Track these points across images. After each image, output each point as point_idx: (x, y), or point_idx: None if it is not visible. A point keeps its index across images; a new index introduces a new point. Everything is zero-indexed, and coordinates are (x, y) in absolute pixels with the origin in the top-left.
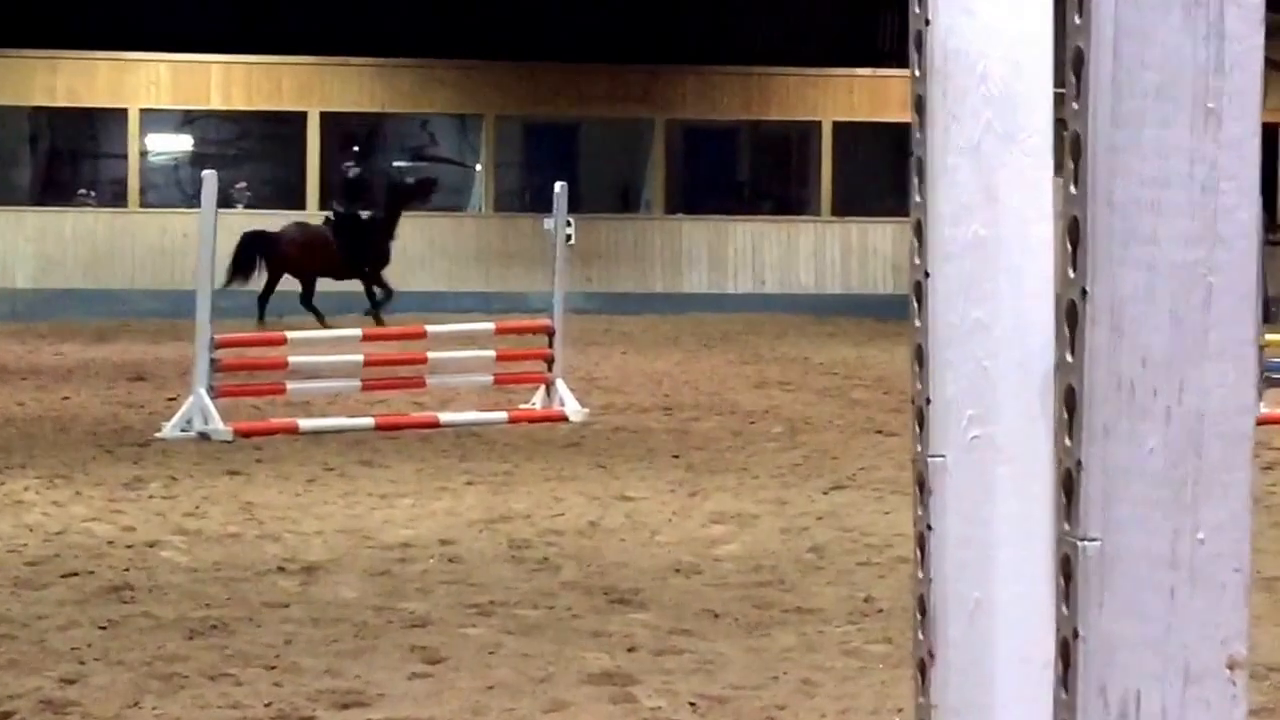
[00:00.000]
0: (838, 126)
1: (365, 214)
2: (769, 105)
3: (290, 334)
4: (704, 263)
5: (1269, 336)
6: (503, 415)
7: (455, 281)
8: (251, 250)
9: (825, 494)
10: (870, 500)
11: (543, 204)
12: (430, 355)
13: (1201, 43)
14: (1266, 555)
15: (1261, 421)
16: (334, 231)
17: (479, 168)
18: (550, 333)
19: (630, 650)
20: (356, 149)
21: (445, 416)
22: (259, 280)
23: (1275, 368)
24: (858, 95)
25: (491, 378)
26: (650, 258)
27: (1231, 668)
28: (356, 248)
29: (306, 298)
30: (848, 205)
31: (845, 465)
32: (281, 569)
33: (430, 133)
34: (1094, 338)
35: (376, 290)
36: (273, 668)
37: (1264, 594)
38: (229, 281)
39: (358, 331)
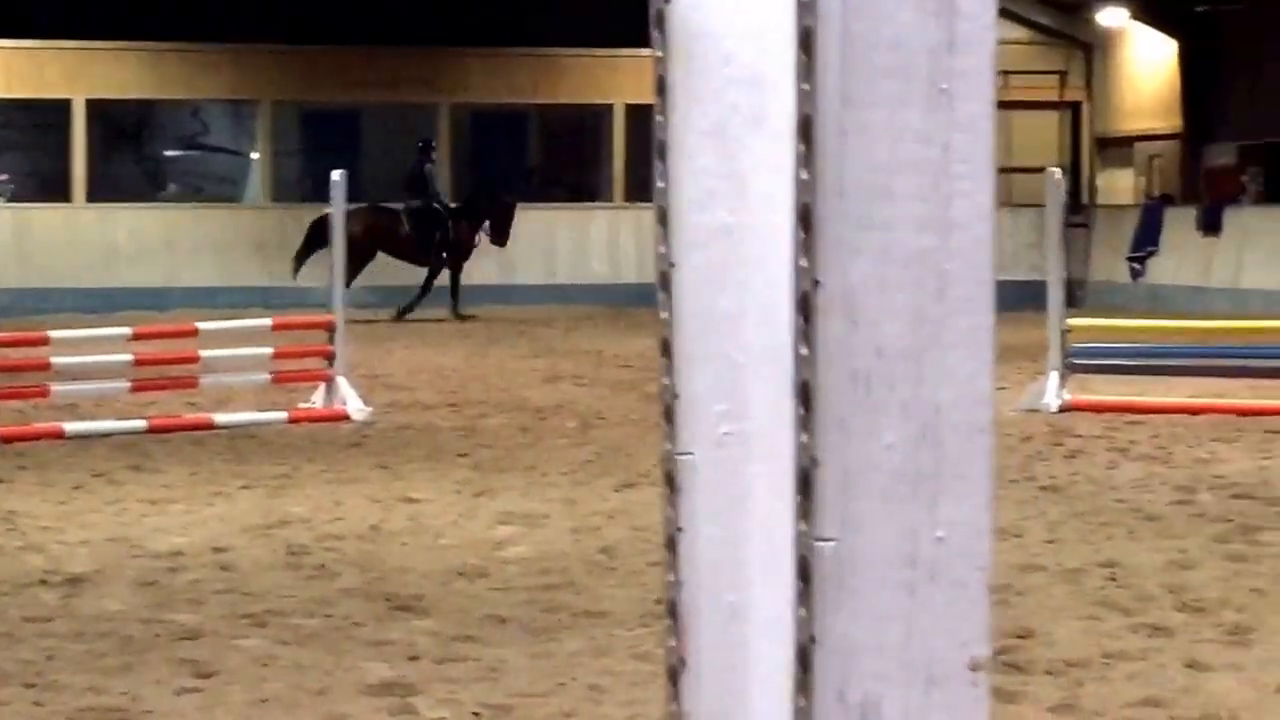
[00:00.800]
0: (631, 109)
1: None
2: (559, 88)
3: (54, 333)
4: (492, 252)
5: (1072, 322)
6: (282, 415)
7: (231, 276)
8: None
9: (617, 491)
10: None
11: (323, 194)
12: (203, 354)
13: (933, 22)
14: (1067, 545)
15: (1066, 408)
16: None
17: (255, 156)
18: (331, 328)
19: (411, 659)
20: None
21: (221, 417)
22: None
23: (1080, 353)
24: (651, 77)
25: (269, 376)
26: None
27: (974, 669)
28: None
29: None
30: (642, 191)
31: (639, 462)
32: (44, 582)
33: (202, 120)
34: (828, 329)
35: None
36: (32, 685)
37: (1068, 586)
38: (297, 267)
39: (126, 330)
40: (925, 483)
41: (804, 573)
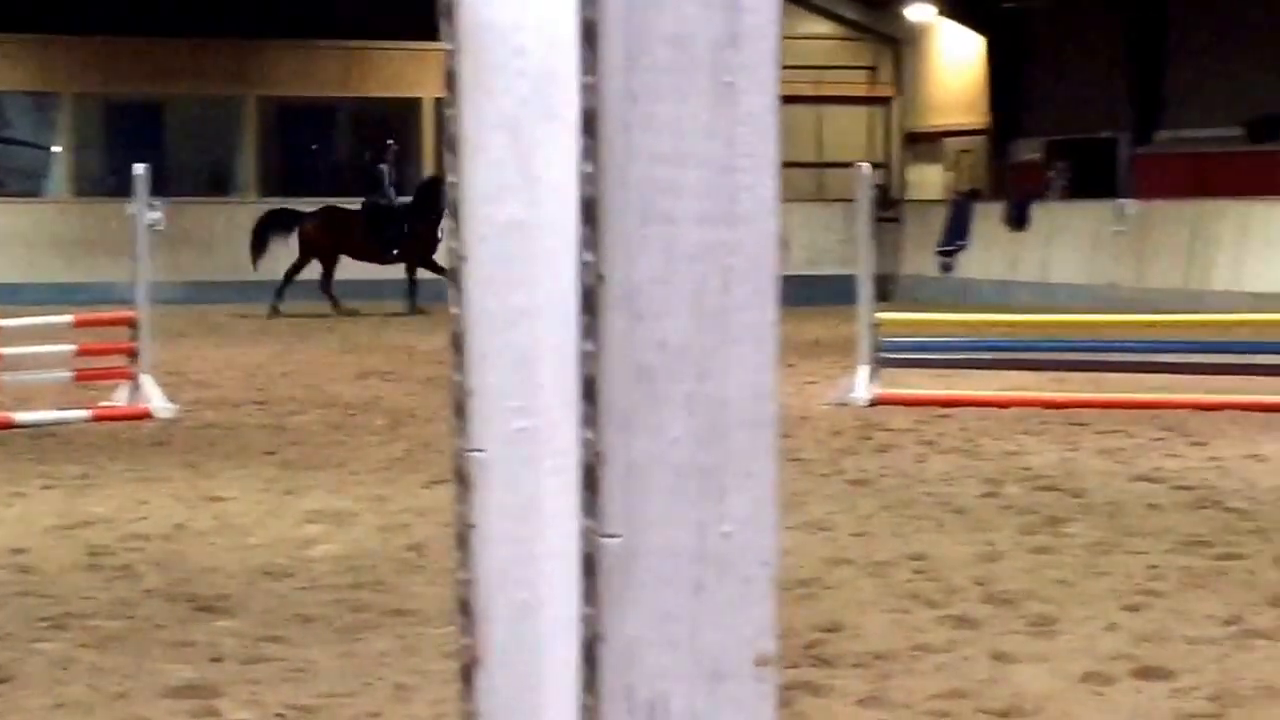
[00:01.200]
0: (441, 102)
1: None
2: (369, 81)
3: None
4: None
5: (881, 316)
6: (84, 413)
7: (33, 272)
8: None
9: (427, 488)
10: None
11: (126, 187)
12: (3, 351)
13: (716, 15)
14: (877, 538)
15: (876, 402)
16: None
17: (56, 149)
18: (134, 324)
19: (215, 660)
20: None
21: (21, 416)
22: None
23: (890, 347)
24: None
25: (71, 374)
26: (244, 244)
27: (761, 665)
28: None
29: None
30: None
31: (450, 458)
32: None
33: (3, 113)
34: (612, 324)
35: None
36: None
37: (876, 579)
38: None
39: None
40: (710, 478)
41: (589, 569)
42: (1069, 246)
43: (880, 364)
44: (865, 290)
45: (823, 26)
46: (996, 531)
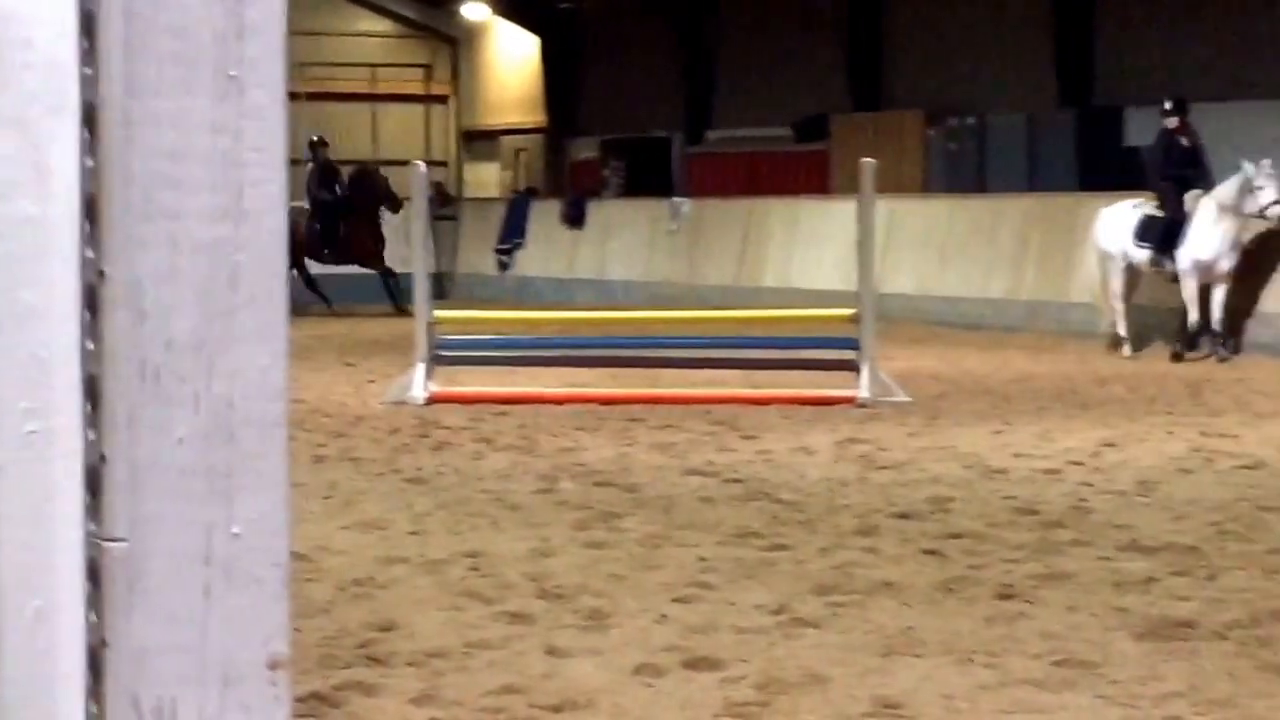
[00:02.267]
0: None
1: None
2: None
3: None
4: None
5: (439, 314)
6: None
7: None
8: None
9: None
10: None
11: None
12: None
13: (220, 7)
14: (432, 537)
15: (433, 400)
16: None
17: None
18: None
19: None
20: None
21: None
22: None
23: (448, 345)
24: None
25: None
26: None
27: (273, 667)
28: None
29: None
30: None
31: None
32: None
33: None
34: (115, 321)
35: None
36: None
37: (431, 577)
38: None
39: None
40: (219, 479)
41: (94, 575)
42: (625, 244)
43: (437, 362)
44: (421, 288)
45: (379, 24)
46: (551, 527)
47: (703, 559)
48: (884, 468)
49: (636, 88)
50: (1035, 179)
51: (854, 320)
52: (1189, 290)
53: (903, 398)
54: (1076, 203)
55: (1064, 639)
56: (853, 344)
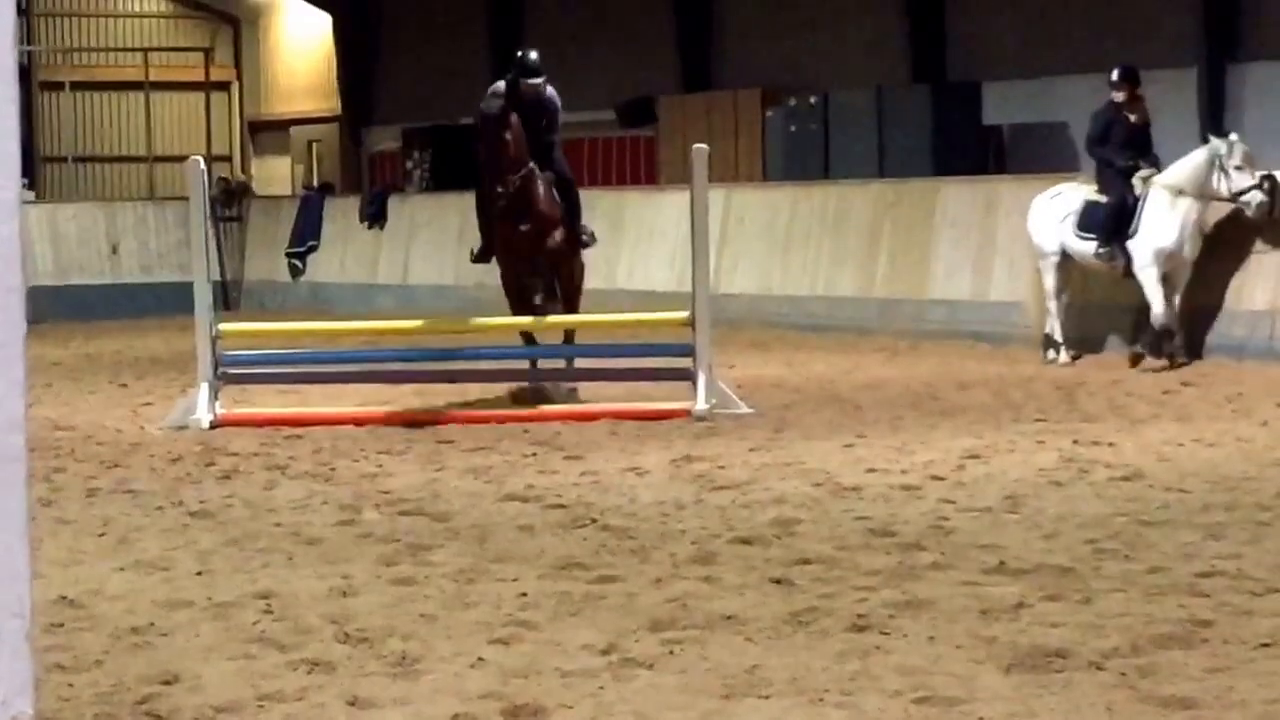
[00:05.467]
0: None
1: None
2: None
3: None
4: None
5: (224, 327)
6: None
7: None
8: None
9: None
10: None
11: None
12: None
13: None
14: (220, 576)
15: (220, 424)
16: None
17: None
18: None
19: None
20: None
21: None
22: None
23: (235, 362)
24: None
25: None
26: None
27: None
28: None
29: None
30: None
31: None
32: None
33: None
34: None
35: None
36: None
37: (219, 622)
38: None
39: None
40: None
41: None
42: (432, 245)
43: (224, 381)
44: (203, 298)
45: (151, 4)
46: (354, 563)
47: (523, 594)
48: (723, 488)
49: (441, 70)
50: (886, 162)
51: (688, 324)
52: (1150, 284)
53: (744, 409)
54: (932, 188)
55: (925, 673)
56: (687, 350)
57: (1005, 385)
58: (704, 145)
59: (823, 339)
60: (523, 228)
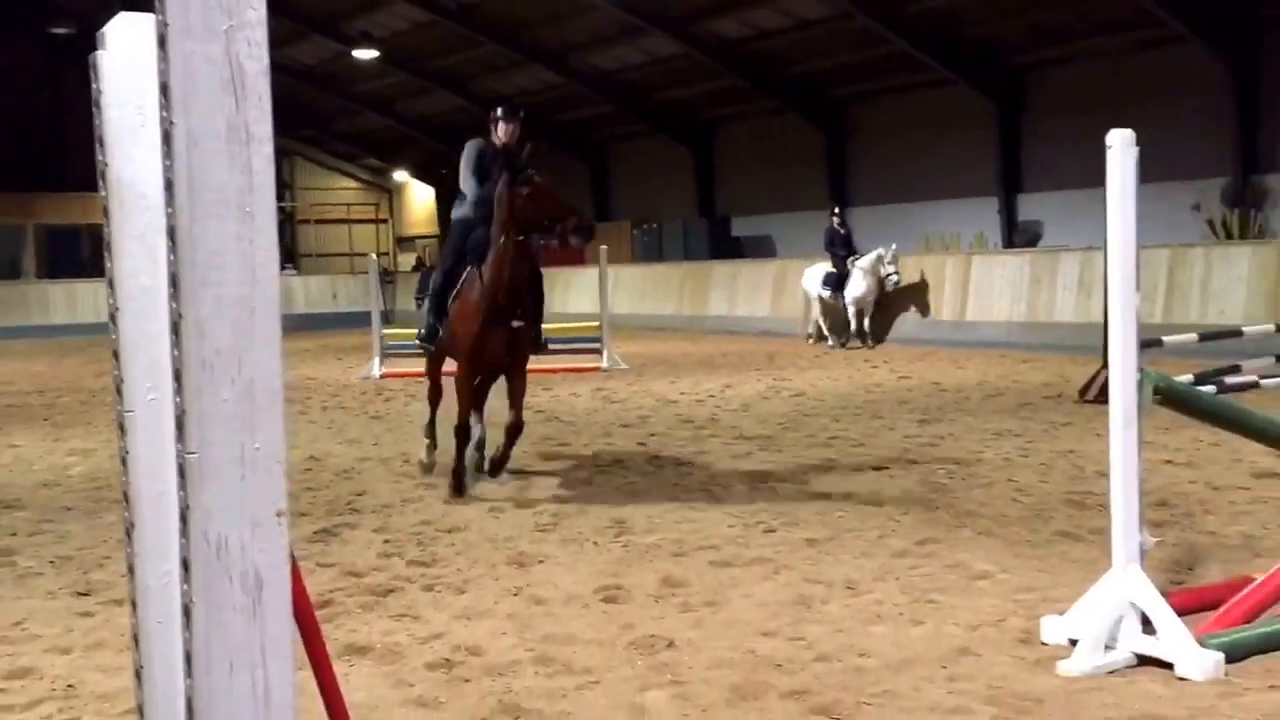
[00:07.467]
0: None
1: None
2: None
3: None
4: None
5: (385, 331)
6: None
7: None
8: None
9: None
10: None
11: None
12: None
13: (241, 175)
14: (385, 445)
15: (385, 376)
16: None
17: None
18: None
19: (12, 535)
20: None
21: None
22: None
23: (389, 347)
24: None
25: None
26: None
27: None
28: None
29: None
30: None
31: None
32: None
33: None
34: (188, 339)
35: None
36: None
37: (382, 467)
38: None
39: None
40: (247, 420)
41: (182, 471)
42: None
43: (385, 355)
44: (376, 319)
45: (350, 183)
46: (447, 440)
47: (523, 450)
48: (615, 401)
49: None
50: (688, 254)
51: (599, 327)
52: (850, 313)
53: (624, 366)
54: (710, 267)
55: (702, 482)
56: (598, 339)
57: (741, 357)
58: (604, 246)
59: (660, 335)
60: (515, 325)
